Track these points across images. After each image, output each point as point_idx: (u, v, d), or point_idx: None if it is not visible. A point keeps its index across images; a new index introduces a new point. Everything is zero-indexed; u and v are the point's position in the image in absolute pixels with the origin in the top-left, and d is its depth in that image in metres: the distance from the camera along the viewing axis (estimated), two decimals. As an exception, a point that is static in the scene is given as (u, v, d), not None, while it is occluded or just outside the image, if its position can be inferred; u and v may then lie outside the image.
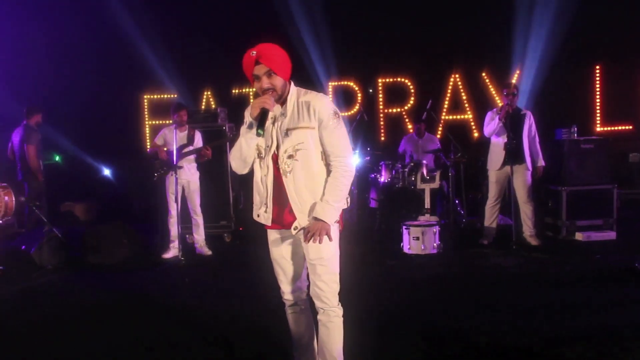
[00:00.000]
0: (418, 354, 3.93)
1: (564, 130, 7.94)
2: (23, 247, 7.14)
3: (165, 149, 7.28)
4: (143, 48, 10.85)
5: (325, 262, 3.06)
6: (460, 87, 10.72)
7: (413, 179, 8.05)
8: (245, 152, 3.05)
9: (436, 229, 6.98)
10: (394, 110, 10.98)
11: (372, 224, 8.35)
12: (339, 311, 3.14)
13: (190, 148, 7.29)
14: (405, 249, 7.00)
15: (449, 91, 10.77)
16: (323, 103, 3.00)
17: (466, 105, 10.70)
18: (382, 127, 10.99)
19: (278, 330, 3.80)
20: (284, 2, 10.26)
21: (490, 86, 10.50)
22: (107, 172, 11.77)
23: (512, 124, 7.05)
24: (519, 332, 4.22)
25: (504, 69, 10.22)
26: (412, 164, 8.17)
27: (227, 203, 8.40)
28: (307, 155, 2.99)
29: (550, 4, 9.88)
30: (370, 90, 10.72)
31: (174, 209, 7.15)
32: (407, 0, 10.39)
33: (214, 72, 11.05)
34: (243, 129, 3.04)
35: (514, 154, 7.02)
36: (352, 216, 8.72)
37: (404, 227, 7.05)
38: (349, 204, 3.18)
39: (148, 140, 11.43)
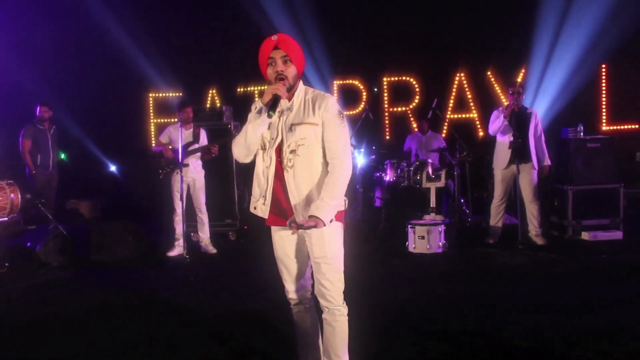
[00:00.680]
0: (423, 354, 3.91)
1: (570, 129, 7.91)
2: (29, 244, 7.18)
3: (170, 147, 7.28)
4: (148, 46, 10.86)
5: (330, 261, 3.05)
6: (466, 85, 10.69)
7: (418, 177, 8.03)
8: (251, 138, 3.03)
9: (441, 228, 6.96)
10: (399, 109, 10.95)
11: (377, 223, 8.33)
12: (344, 310, 3.13)
13: (196, 146, 7.29)
14: (411, 248, 6.99)
15: (454, 90, 10.74)
16: (329, 102, 3.01)
17: (471, 104, 10.67)
18: (387, 126, 10.97)
19: (283, 329, 3.80)
20: (288, 1, 10.25)
21: (495, 85, 10.46)
22: (112, 169, 11.79)
23: (518, 122, 7.02)
24: (525, 332, 4.20)
25: (510, 68, 10.19)
26: (417, 162, 8.15)
27: (232, 201, 8.40)
28: (308, 152, 2.99)
29: (555, 2, 9.85)
30: (375, 89, 10.69)
31: (179, 207, 7.16)
32: (411, -1, 10.39)
33: (219, 70, 11.06)
34: (251, 115, 3.04)
35: (519, 153, 6.99)
36: (356, 215, 8.70)
37: (409, 226, 7.04)
38: (346, 205, 3.15)
39: (153, 139, 11.44)
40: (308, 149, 2.98)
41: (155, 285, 6.08)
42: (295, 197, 3.00)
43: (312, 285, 3.23)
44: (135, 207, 10.78)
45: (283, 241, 3.19)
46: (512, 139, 7.01)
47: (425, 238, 6.88)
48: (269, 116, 2.91)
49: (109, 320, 4.94)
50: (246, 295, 5.54)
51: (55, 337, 4.58)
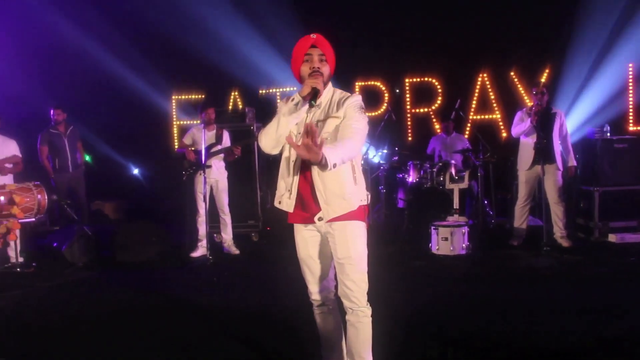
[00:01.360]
0: (446, 356, 3.88)
1: (596, 129, 7.80)
2: (55, 244, 7.28)
3: (193, 148, 7.33)
4: (172, 49, 10.94)
5: (354, 261, 3.04)
6: (489, 86, 10.59)
7: (441, 179, 7.98)
8: (283, 130, 3.02)
9: (465, 229, 6.91)
10: (421, 110, 10.89)
11: (400, 224, 8.30)
12: (368, 311, 3.11)
13: (219, 147, 7.33)
14: (434, 250, 6.95)
15: (477, 90, 10.65)
16: (353, 98, 3.07)
17: (494, 104, 10.57)
18: (409, 127, 10.92)
19: (306, 330, 3.79)
20: (309, 3, 10.26)
21: (519, 85, 10.35)
22: (136, 171, 11.91)
23: (542, 123, 6.95)
24: (551, 336, 4.15)
25: (533, 68, 10.07)
26: (440, 163, 8.11)
27: (255, 203, 8.43)
28: None
29: (580, 2, 9.72)
30: (397, 91, 10.65)
31: (202, 208, 7.20)
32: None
33: (241, 72, 11.10)
34: (285, 108, 3.04)
35: (544, 154, 6.91)
36: (379, 216, 8.68)
37: (432, 227, 7.00)
38: (369, 200, 3.16)
39: (176, 140, 11.53)
40: (332, 142, 2.98)
41: (178, 286, 6.12)
42: (321, 191, 3.00)
43: (336, 287, 3.22)
44: (159, 209, 10.86)
45: (306, 242, 3.18)
46: (536, 139, 6.93)
47: (448, 239, 6.84)
48: (311, 106, 2.99)
49: (133, 321, 4.98)
50: (269, 296, 5.55)
51: (79, 336, 4.62)
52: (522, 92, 10.24)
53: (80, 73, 11.27)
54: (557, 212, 7.10)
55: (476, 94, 10.63)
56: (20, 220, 6.69)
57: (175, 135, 11.69)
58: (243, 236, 8.18)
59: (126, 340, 4.46)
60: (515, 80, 10.37)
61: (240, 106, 10.98)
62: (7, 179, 7.09)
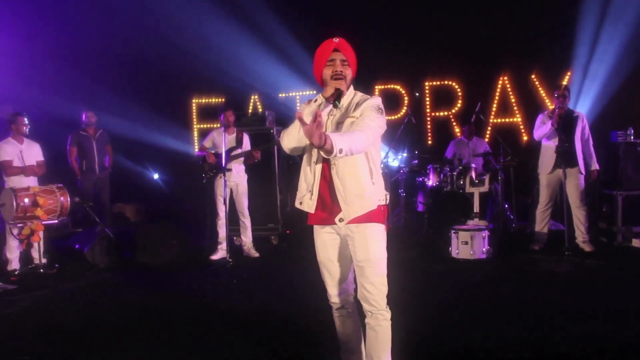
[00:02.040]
0: (467, 360, 3.87)
1: (619, 133, 7.70)
2: (77, 246, 7.39)
3: (213, 151, 7.38)
4: (192, 52, 11.03)
5: (373, 264, 3.05)
6: (509, 89, 10.51)
7: (462, 182, 7.95)
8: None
9: (485, 233, 6.86)
10: (441, 113, 10.85)
11: (419, 227, 8.27)
12: (387, 314, 3.11)
13: (239, 151, 7.37)
14: (454, 254, 6.91)
15: (498, 93, 10.58)
16: (372, 99, 3.09)
17: (515, 108, 10.49)
18: (429, 130, 10.87)
19: (325, 333, 3.78)
20: (328, 6, 10.27)
21: (540, 88, 10.26)
22: (156, 176, 12.01)
23: (564, 126, 6.88)
24: (572, 341, 4.10)
25: (555, 71, 9.98)
26: (460, 167, 8.07)
27: (275, 206, 8.46)
28: None
29: (602, 4, 9.62)
30: (417, 94, 10.62)
31: (222, 211, 7.24)
32: (453, 2, 10.26)
33: (261, 76, 11.15)
34: (307, 109, 3.09)
35: (566, 157, 6.85)
36: (399, 220, 8.66)
37: (452, 231, 6.96)
38: (387, 200, 3.15)
39: (196, 143, 11.61)
40: None
41: (198, 288, 6.16)
42: (341, 192, 3.01)
43: (355, 290, 3.22)
44: (179, 211, 10.94)
45: (326, 245, 3.19)
46: (558, 142, 6.87)
47: (468, 243, 6.80)
48: (335, 106, 3.04)
49: (152, 322, 5.02)
50: (288, 299, 5.55)
51: (100, 337, 4.67)
52: (544, 95, 10.16)
53: (102, 75, 11.39)
54: (579, 216, 7.03)
55: (497, 97, 10.56)
56: (43, 222, 6.79)
57: (196, 138, 11.77)
58: (263, 239, 8.21)
59: (145, 342, 4.49)
60: (537, 83, 10.29)
61: (260, 109, 11.02)
62: (32, 181, 7.19)
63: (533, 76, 10.25)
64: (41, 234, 6.87)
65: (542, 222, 7.29)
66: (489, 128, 10.24)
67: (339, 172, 3.02)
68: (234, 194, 7.48)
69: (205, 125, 11.73)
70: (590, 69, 9.78)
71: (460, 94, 10.73)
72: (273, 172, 8.41)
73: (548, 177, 7.15)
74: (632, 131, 7.68)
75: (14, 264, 7.02)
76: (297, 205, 3.21)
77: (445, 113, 10.80)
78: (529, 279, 6.07)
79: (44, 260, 6.95)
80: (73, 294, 6.11)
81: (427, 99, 10.85)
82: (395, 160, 9.10)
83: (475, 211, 7.55)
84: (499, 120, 10.51)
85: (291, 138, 3.08)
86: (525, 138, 10.27)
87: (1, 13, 10.61)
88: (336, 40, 3.08)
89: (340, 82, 3.04)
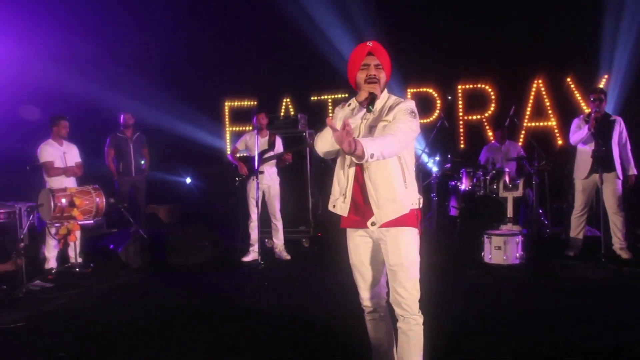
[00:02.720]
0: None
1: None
2: (111, 246, 7.51)
3: (245, 154, 7.44)
4: (225, 55, 11.14)
5: (406, 269, 3.03)
6: (544, 92, 10.36)
7: (495, 186, 7.85)
8: None
9: (519, 238, 6.77)
10: (474, 117, 10.76)
11: (451, 232, 8.20)
12: (420, 319, 3.10)
13: (271, 153, 7.41)
14: (487, 259, 6.83)
15: (532, 97, 10.44)
16: (405, 103, 3.07)
17: (549, 111, 10.34)
18: (461, 134, 10.79)
19: (357, 337, 3.77)
20: (361, 11, 10.27)
21: (576, 92, 10.09)
22: (188, 180, 12.14)
23: (601, 130, 6.76)
24: (608, 350, 4.02)
25: (591, 74, 9.81)
26: (494, 171, 7.98)
27: (306, 208, 8.48)
28: None
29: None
30: (449, 97, 10.54)
31: (254, 214, 7.29)
32: (487, 4, 10.16)
33: (293, 79, 11.21)
34: (340, 113, 3.12)
35: (602, 162, 6.72)
36: (431, 224, 8.60)
37: (485, 236, 6.88)
38: (420, 204, 3.14)
39: (228, 146, 11.71)
40: None
41: (229, 290, 6.21)
42: (374, 196, 3.01)
43: (387, 293, 3.21)
44: (211, 213, 11.05)
45: (358, 248, 3.19)
46: (594, 147, 6.76)
47: (501, 248, 6.71)
48: (369, 111, 3.02)
49: (183, 322, 5.07)
50: (319, 301, 5.56)
51: (132, 335, 4.75)
52: (579, 98, 9.99)
53: (137, 78, 11.57)
54: (616, 222, 6.89)
55: (531, 101, 10.42)
56: (79, 222, 6.92)
57: (228, 140, 11.88)
58: (294, 242, 8.23)
59: (177, 341, 4.55)
60: (572, 86, 10.13)
61: (292, 113, 11.07)
62: (71, 182, 7.33)
63: (569, 79, 10.09)
64: (78, 233, 7.01)
65: (577, 227, 7.16)
66: (523, 132, 10.12)
67: (371, 176, 3.02)
68: (266, 196, 7.52)
69: (237, 128, 11.84)
70: (628, 72, 9.59)
71: (493, 97, 10.62)
72: (305, 175, 8.44)
73: (584, 182, 7.02)
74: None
75: (52, 263, 7.16)
76: (330, 208, 3.22)
77: (478, 116, 10.70)
78: (564, 285, 5.97)
79: (79, 260, 7.08)
80: (107, 293, 6.23)
81: (460, 102, 10.77)
82: (433, 165, 8.98)
83: (508, 216, 7.46)
84: (533, 124, 10.37)
85: (325, 142, 3.10)
86: (560, 142, 10.12)
87: (42, 14, 10.85)
88: (370, 44, 3.07)
89: (374, 86, 3.04)
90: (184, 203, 11.74)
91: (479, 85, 10.72)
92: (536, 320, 4.79)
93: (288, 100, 11.51)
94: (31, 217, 7.29)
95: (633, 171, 7.00)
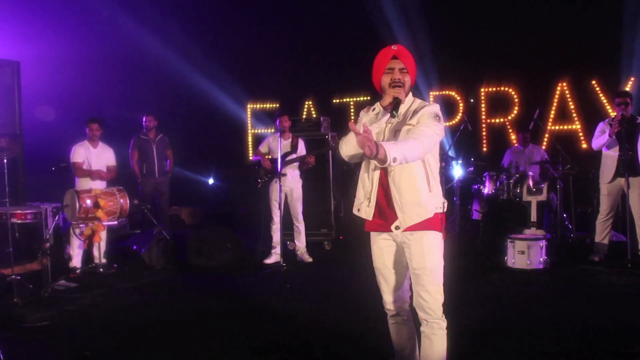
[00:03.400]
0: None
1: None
2: (135, 247, 7.58)
3: (269, 156, 7.47)
4: (247, 58, 11.19)
5: (430, 272, 3.03)
6: (568, 95, 10.25)
7: (518, 190, 7.78)
8: None
9: (543, 243, 6.70)
10: (497, 120, 10.67)
11: (474, 236, 8.15)
12: (443, 323, 3.09)
13: (294, 156, 7.43)
14: (510, 263, 6.77)
15: (556, 100, 10.32)
16: (430, 106, 3.06)
17: (574, 114, 10.22)
18: (484, 137, 10.71)
19: (379, 340, 3.77)
20: (384, 14, 10.26)
21: (601, 95, 9.96)
22: (211, 181, 12.22)
23: (627, 133, 6.67)
24: (635, 358, 3.96)
25: (617, 77, 9.68)
26: (517, 175, 7.91)
27: (329, 211, 8.48)
28: None
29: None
30: (472, 100, 10.47)
31: (276, 216, 7.32)
32: (511, 7, 10.09)
33: (315, 82, 11.22)
34: (365, 117, 3.12)
35: (628, 166, 6.63)
36: (454, 227, 8.54)
37: (508, 240, 6.82)
38: (445, 208, 3.12)
39: (251, 148, 11.76)
40: None
41: (251, 291, 6.24)
42: (398, 200, 3.01)
43: (411, 297, 3.20)
44: (234, 215, 11.10)
45: (382, 251, 3.19)
46: (619, 150, 6.67)
47: (525, 253, 6.65)
48: (392, 116, 3.00)
49: (205, 323, 5.12)
50: (342, 304, 5.56)
51: (154, 336, 4.80)
52: (605, 102, 9.86)
53: (160, 83, 11.68)
54: (642, 227, 6.79)
55: (555, 104, 10.31)
56: (104, 223, 7.00)
57: (250, 143, 11.93)
58: (316, 244, 8.24)
59: (199, 342, 4.59)
60: (597, 89, 10.00)
61: (314, 115, 11.08)
62: (99, 185, 7.37)
63: (594, 82, 9.97)
64: (103, 234, 7.10)
65: (602, 232, 7.07)
66: (547, 135, 10.02)
67: (395, 180, 3.01)
68: (289, 199, 7.55)
69: (259, 130, 11.88)
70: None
71: (516, 100, 10.53)
72: (327, 178, 8.44)
73: (609, 186, 6.93)
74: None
75: (75, 261, 7.21)
76: (355, 212, 3.22)
77: (501, 120, 10.62)
78: (589, 291, 5.90)
79: (104, 260, 7.16)
80: (130, 293, 6.29)
81: (483, 105, 10.69)
82: (459, 169, 8.84)
83: (532, 220, 7.39)
84: (557, 128, 10.26)
85: (349, 146, 3.09)
86: (584, 146, 9.99)
87: (71, 20, 11.01)
88: (394, 47, 3.06)
89: (399, 90, 3.02)
90: (206, 205, 11.80)
91: (502, 88, 10.63)
92: (560, 326, 4.74)
93: (310, 102, 11.52)
94: (57, 217, 7.41)
95: (660, 175, 6.89)
